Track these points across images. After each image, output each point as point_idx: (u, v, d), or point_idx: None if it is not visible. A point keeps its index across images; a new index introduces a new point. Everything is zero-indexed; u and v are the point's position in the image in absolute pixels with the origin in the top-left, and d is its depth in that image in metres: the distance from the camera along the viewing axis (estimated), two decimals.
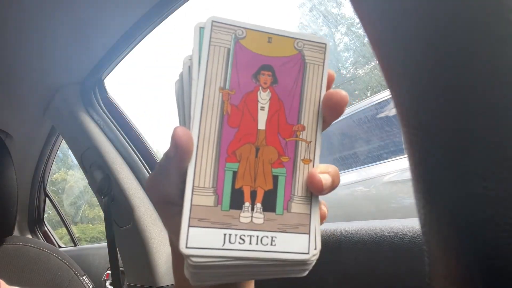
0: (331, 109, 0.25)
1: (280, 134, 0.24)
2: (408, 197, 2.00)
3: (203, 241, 0.22)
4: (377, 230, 0.61)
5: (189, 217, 0.22)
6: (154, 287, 0.93)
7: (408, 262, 0.56)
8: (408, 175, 0.17)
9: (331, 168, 0.25)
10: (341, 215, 2.33)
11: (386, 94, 2.34)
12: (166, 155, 0.24)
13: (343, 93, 0.25)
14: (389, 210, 2.09)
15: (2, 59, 0.85)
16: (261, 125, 0.24)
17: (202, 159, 0.23)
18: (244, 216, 0.23)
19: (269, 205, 0.24)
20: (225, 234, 0.22)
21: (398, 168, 2.10)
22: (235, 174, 0.23)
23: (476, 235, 0.14)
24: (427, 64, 0.15)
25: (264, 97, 0.24)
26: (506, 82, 0.13)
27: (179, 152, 0.22)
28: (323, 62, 0.25)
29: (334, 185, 0.25)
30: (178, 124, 0.27)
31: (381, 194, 2.18)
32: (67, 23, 0.77)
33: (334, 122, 0.27)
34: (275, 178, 0.24)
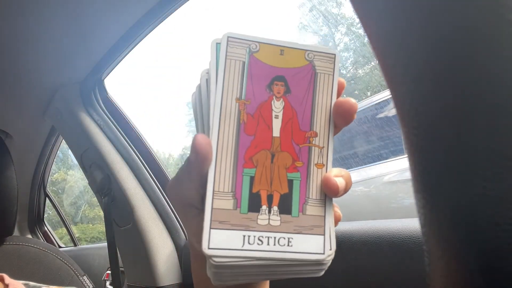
0: (341, 116, 0.26)
1: (294, 141, 0.26)
2: (408, 197, 2.00)
3: (224, 242, 0.23)
4: (377, 230, 0.61)
5: (211, 220, 0.24)
6: (154, 287, 0.93)
7: (408, 262, 0.56)
8: (408, 175, 0.17)
9: (344, 172, 0.27)
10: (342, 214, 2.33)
11: (386, 94, 2.34)
12: (188, 160, 0.25)
13: (352, 101, 0.26)
14: (389, 209, 2.09)
15: (2, 59, 0.85)
16: (276, 133, 0.26)
17: (221, 165, 0.25)
18: (262, 218, 0.24)
19: (285, 208, 0.25)
20: (244, 236, 0.24)
21: (398, 168, 2.09)
22: (252, 179, 0.25)
23: (476, 235, 0.14)
24: (427, 64, 0.15)
25: (278, 106, 0.26)
26: (507, 83, 0.13)
27: (199, 158, 0.24)
28: (333, 72, 0.27)
29: (347, 188, 0.26)
30: (195, 132, 0.29)
31: (381, 194, 2.18)
32: (67, 23, 0.77)
33: None
34: (290, 182, 0.25)
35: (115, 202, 1.00)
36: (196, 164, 0.24)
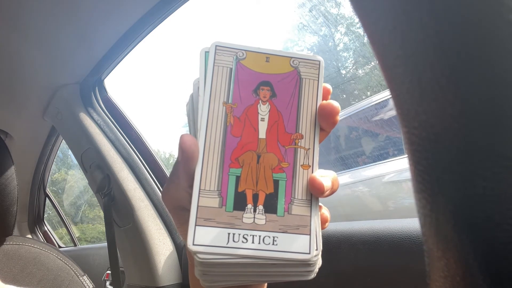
0: (325, 119, 0.27)
1: (279, 142, 0.27)
2: (407, 197, 2.00)
3: (209, 239, 0.24)
4: (377, 230, 0.61)
5: (196, 217, 0.24)
6: (154, 287, 0.93)
7: (408, 262, 0.56)
8: (407, 175, 0.17)
9: (330, 172, 0.27)
10: (342, 214, 2.33)
11: (386, 94, 2.34)
12: (176, 161, 0.26)
13: (335, 104, 0.27)
14: (388, 209, 2.09)
15: (3, 59, 0.85)
16: (262, 134, 0.26)
17: (208, 164, 0.25)
18: (247, 217, 0.25)
19: (270, 207, 0.25)
20: (229, 233, 0.24)
21: (398, 168, 2.10)
22: (238, 178, 0.26)
23: (476, 235, 0.14)
24: (427, 64, 0.15)
25: (263, 109, 0.27)
26: (506, 82, 0.13)
27: (185, 156, 0.25)
28: (318, 77, 0.28)
29: (333, 189, 0.27)
30: None
31: (381, 194, 2.18)
32: (67, 23, 0.77)
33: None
34: (276, 182, 0.26)
35: (115, 202, 1.00)
36: (182, 162, 0.25)
